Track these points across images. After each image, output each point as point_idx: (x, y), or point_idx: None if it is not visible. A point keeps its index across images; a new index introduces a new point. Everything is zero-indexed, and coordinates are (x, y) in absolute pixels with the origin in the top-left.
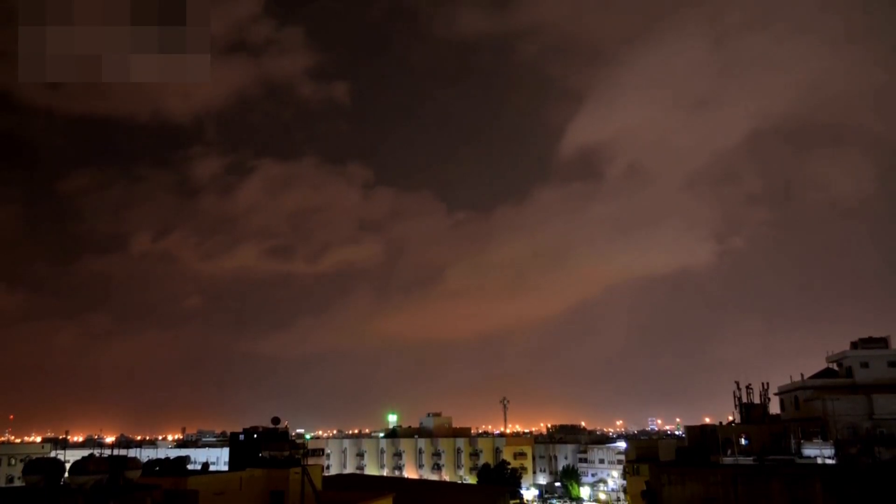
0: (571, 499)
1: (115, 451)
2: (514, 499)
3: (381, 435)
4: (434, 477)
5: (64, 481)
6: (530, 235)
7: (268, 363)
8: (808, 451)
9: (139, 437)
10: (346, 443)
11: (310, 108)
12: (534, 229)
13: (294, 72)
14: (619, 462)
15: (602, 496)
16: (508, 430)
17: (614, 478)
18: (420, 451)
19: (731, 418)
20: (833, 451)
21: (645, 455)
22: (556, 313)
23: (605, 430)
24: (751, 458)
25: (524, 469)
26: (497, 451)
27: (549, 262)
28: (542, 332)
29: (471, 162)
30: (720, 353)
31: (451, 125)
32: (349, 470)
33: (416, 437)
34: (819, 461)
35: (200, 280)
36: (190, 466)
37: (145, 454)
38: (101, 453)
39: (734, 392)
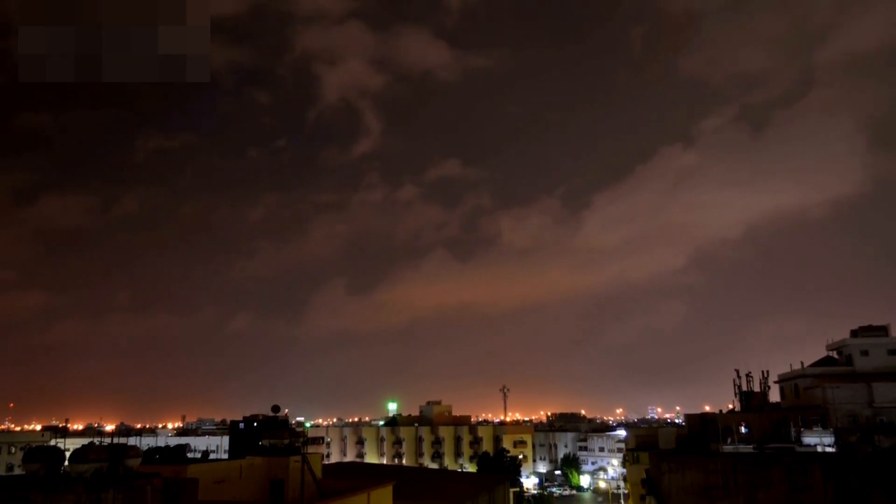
0: (571, 487)
1: (115, 440)
2: (514, 487)
3: (381, 423)
4: (434, 465)
5: (64, 469)
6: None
7: (268, 351)
8: (808, 439)
9: (139, 426)
10: (346, 431)
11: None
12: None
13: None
14: (619, 450)
15: (602, 484)
16: (508, 419)
17: (614, 466)
18: (420, 440)
19: (731, 406)
20: (833, 439)
21: (645, 443)
22: (583, 294)
23: (605, 418)
24: (751, 447)
25: (524, 457)
26: (497, 439)
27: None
28: (564, 313)
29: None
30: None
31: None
32: (349, 458)
33: (416, 425)
34: (819, 449)
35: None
36: (190, 455)
37: (145, 442)
38: (101, 441)
39: (734, 380)
